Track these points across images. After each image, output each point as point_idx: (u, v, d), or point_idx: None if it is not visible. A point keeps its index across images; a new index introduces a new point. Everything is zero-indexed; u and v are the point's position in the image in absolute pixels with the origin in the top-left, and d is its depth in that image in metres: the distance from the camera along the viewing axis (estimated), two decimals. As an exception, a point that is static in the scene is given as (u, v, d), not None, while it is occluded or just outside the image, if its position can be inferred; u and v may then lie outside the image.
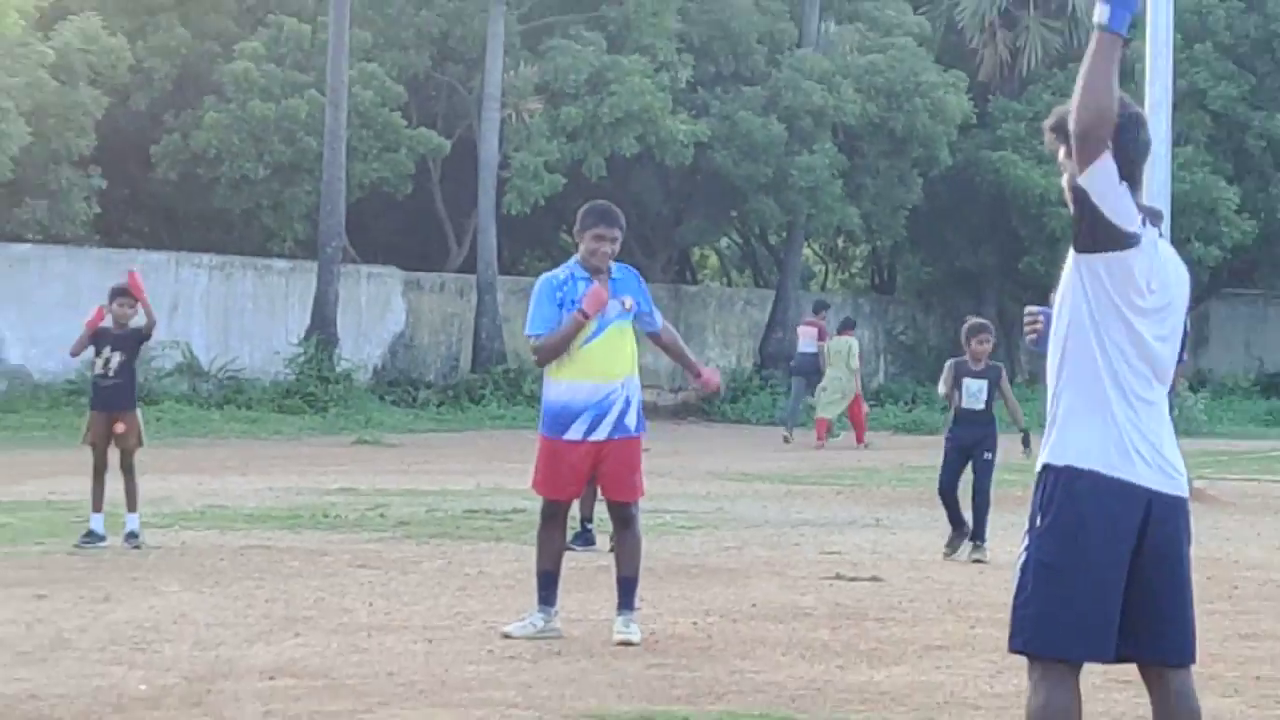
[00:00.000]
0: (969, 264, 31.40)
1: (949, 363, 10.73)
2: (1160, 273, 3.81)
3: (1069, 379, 3.70)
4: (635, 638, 6.92)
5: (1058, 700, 3.89)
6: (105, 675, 6.50)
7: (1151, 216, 3.88)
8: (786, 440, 21.59)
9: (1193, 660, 3.96)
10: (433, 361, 27.41)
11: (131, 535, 10.43)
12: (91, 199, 24.02)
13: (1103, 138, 3.47)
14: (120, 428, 10.47)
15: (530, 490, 7.89)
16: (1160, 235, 3.96)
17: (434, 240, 29.72)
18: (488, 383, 25.39)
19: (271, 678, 6.42)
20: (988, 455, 10.17)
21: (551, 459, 7.11)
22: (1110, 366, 3.64)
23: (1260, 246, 31.44)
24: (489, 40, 25.38)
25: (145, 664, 6.74)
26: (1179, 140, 24.89)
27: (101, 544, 10.38)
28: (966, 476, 10.32)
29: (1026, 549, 3.72)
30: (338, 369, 24.09)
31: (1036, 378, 23.95)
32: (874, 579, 9.39)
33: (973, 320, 11.18)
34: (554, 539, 7.26)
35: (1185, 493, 3.96)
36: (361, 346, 25.77)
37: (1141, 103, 12.10)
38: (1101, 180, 3.51)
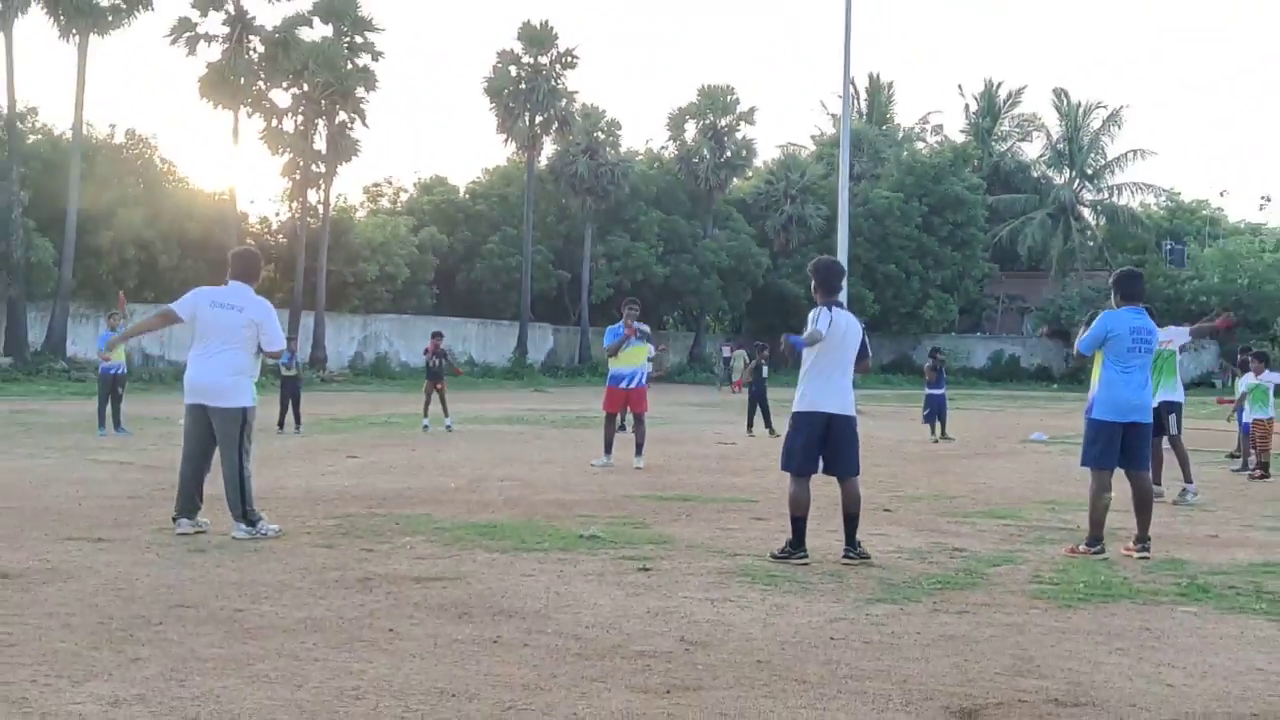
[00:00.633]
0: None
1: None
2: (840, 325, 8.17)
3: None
4: (642, 464, 14.56)
5: (798, 491, 8.16)
6: (436, 481, 13.03)
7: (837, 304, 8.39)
8: None
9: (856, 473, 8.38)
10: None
11: (448, 428, 19.62)
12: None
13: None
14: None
15: (600, 409, 15.64)
16: (842, 306, 8.42)
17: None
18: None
19: (502, 481, 13.41)
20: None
21: (611, 395, 14.90)
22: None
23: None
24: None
25: (452, 476, 13.65)
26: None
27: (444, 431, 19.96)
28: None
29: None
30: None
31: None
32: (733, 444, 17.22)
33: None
34: (611, 427, 14.97)
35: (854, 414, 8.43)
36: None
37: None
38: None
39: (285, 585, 7.05)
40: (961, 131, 72.03)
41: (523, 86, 51.99)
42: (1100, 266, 62.03)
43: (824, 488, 8.62)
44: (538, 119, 52.28)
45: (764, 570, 7.89)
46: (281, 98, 45.42)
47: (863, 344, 8.46)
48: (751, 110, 58.70)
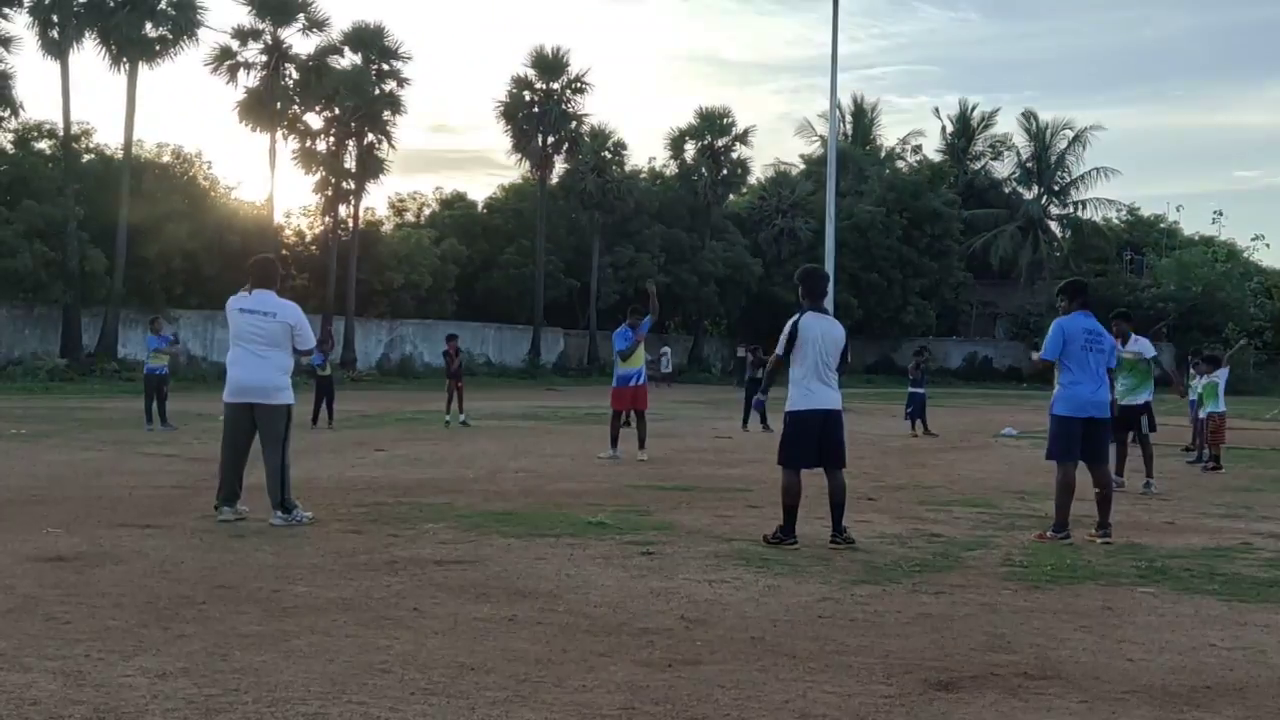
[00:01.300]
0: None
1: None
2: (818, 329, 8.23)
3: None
4: (645, 456, 14.52)
5: (790, 481, 8.27)
6: (456, 472, 13.10)
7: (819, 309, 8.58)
8: None
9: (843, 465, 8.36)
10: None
11: (464, 423, 19.28)
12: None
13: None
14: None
15: (609, 405, 15.56)
16: (826, 312, 8.45)
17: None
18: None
19: (517, 472, 13.48)
20: None
21: (618, 394, 14.92)
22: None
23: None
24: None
25: (471, 468, 13.70)
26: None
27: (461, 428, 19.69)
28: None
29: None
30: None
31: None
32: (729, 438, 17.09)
33: None
34: (617, 423, 14.98)
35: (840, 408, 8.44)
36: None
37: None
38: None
39: (318, 568, 7.05)
40: (938, 151, 72.08)
41: (535, 110, 51.92)
42: (1066, 275, 62.15)
43: (813, 478, 8.61)
44: (549, 140, 52.20)
45: (758, 554, 7.89)
46: (314, 121, 45.39)
47: (844, 351, 8.40)
48: (746, 131, 58.74)
